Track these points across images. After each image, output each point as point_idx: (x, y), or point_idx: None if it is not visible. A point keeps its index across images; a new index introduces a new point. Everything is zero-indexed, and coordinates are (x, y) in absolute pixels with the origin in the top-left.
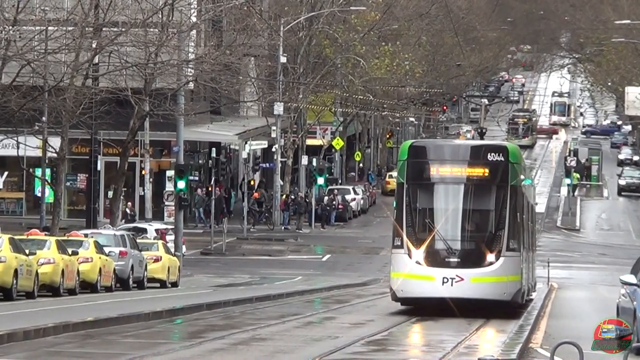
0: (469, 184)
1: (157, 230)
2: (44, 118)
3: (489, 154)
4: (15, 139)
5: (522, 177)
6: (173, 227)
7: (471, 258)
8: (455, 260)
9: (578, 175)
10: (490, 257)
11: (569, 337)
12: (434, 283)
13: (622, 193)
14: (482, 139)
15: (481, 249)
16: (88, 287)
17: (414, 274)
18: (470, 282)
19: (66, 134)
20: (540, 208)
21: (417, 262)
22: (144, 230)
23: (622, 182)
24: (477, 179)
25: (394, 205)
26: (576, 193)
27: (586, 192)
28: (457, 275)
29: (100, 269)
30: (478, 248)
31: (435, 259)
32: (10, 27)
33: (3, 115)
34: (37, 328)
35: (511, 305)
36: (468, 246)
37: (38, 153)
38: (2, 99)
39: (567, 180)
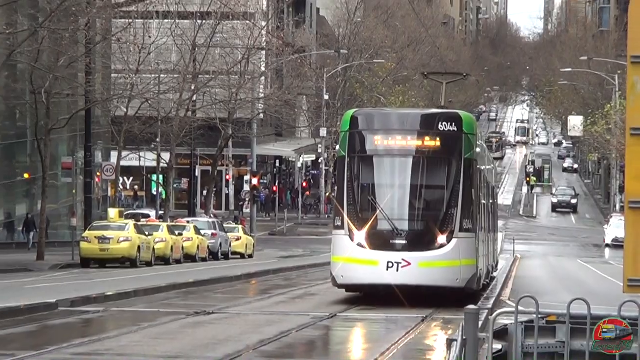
0: (418, 156)
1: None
2: (157, 139)
3: (440, 123)
4: (138, 154)
5: (477, 150)
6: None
7: (419, 240)
8: (402, 242)
9: (535, 178)
10: (441, 238)
11: (529, 292)
12: (378, 268)
13: (557, 209)
14: None
15: (431, 230)
16: (189, 258)
17: (356, 257)
18: (418, 267)
19: (174, 150)
20: (508, 201)
21: (359, 245)
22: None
23: (555, 200)
24: (427, 151)
25: (334, 181)
26: (533, 191)
27: (540, 190)
28: (403, 260)
29: (198, 245)
30: (427, 229)
31: (379, 241)
32: (134, 75)
33: (129, 137)
34: (154, 287)
35: (465, 292)
36: (416, 227)
37: (154, 164)
38: (129, 126)
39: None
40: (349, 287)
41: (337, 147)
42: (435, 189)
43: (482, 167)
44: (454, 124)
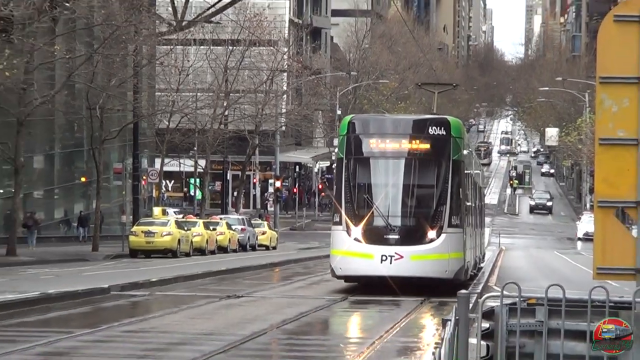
0: (409, 158)
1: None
2: (195, 148)
3: (430, 127)
4: (178, 160)
5: (465, 152)
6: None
7: (411, 235)
8: (395, 237)
9: (517, 181)
10: (431, 233)
11: (513, 279)
12: (373, 261)
13: (534, 211)
14: None
15: (421, 226)
16: (222, 250)
17: (353, 251)
18: (410, 260)
19: (208, 157)
20: (494, 201)
21: (356, 240)
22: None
23: (532, 202)
24: (418, 154)
25: (334, 181)
26: (516, 192)
27: (522, 192)
28: (396, 253)
29: (229, 238)
30: (418, 224)
31: (373, 236)
32: (175, 94)
33: (170, 147)
34: (192, 274)
35: (453, 282)
36: (408, 223)
37: (191, 169)
38: (170, 137)
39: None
40: (346, 278)
41: (336, 150)
42: (426, 188)
43: (470, 168)
44: (442, 128)
